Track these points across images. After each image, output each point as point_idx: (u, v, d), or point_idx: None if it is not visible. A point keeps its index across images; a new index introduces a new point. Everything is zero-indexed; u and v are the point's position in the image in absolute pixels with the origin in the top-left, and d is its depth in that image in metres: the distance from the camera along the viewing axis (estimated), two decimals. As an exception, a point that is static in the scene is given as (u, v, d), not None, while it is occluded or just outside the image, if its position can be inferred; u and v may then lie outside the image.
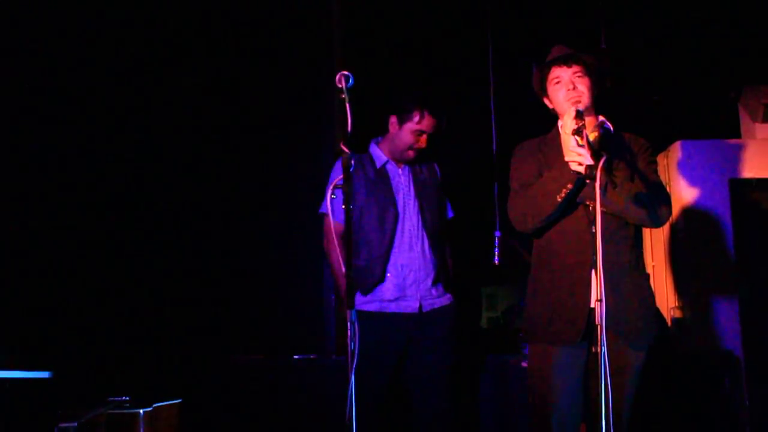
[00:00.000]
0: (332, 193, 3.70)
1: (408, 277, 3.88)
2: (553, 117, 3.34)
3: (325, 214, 3.94)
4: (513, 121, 4.83)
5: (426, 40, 5.12)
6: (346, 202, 2.89)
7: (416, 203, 3.97)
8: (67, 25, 4.60)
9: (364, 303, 3.84)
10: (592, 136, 3.03)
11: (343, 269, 3.63)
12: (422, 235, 3.93)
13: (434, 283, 3.92)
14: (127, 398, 3.80)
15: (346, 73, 2.84)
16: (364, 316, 3.72)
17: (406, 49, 5.08)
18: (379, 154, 4.04)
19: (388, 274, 3.87)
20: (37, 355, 4.11)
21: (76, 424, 3.60)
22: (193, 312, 4.73)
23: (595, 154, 2.81)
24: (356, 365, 3.58)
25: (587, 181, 2.85)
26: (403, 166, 4.04)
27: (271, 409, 4.15)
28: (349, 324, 2.77)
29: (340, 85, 2.84)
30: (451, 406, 3.91)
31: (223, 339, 4.71)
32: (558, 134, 3.23)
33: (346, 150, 2.87)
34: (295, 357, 4.30)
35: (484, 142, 4.89)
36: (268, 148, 5.07)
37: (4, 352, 4.04)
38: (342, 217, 3.72)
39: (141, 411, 3.74)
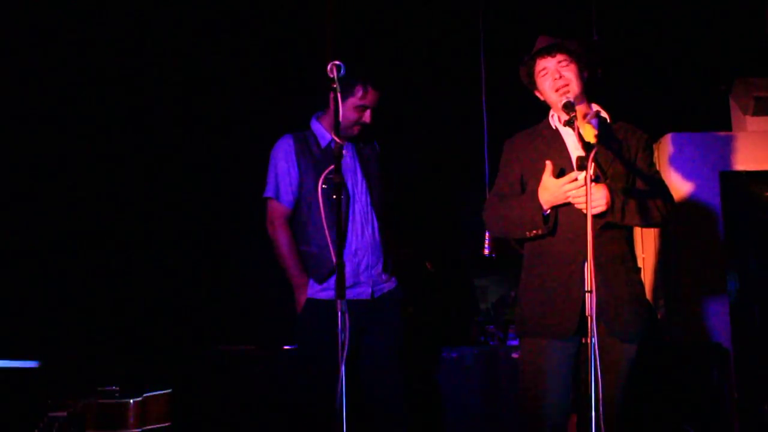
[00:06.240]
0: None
1: (362, 262, 3.69)
2: (545, 108, 3.33)
3: (270, 198, 3.76)
4: (504, 108, 4.84)
5: (418, 30, 5.11)
6: (337, 192, 2.86)
7: (364, 183, 3.78)
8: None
9: (318, 291, 3.67)
10: (590, 132, 3.01)
11: (292, 256, 3.64)
12: (372, 218, 3.74)
13: (384, 267, 3.75)
14: (117, 388, 3.80)
15: (337, 63, 2.83)
16: (320, 305, 3.62)
17: (396, 39, 5.07)
18: (322, 131, 3.80)
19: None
20: (26, 345, 4.10)
21: (66, 413, 3.60)
22: (184, 302, 4.72)
23: (587, 146, 2.80)
24: (314, 355, 3.57)
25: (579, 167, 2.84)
26: (347, 144, 3.74)
27: (261, 399, 4.15)
28: (339, 314, 2.74)
29: (331, 75, 2.83)
30: (402, 392, 3.74)
31: (213, 329, 4.71)
32: (549, 126, 3.27)
33: (338, 140, 2.86)
34: (285, 347, 4.29)
35: (475, 130, 4.90)
36: (254, 139, 5.04)
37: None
38: (288, 199, 3.71)
39: (131, 401, 3.74)
